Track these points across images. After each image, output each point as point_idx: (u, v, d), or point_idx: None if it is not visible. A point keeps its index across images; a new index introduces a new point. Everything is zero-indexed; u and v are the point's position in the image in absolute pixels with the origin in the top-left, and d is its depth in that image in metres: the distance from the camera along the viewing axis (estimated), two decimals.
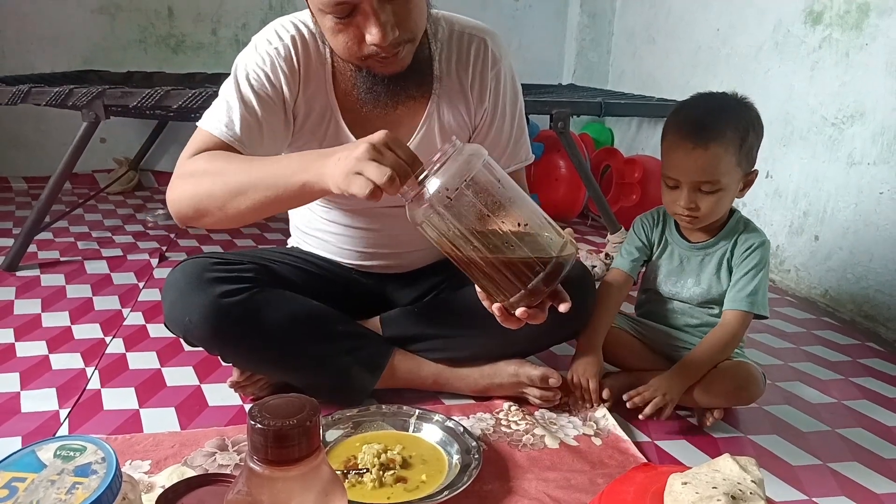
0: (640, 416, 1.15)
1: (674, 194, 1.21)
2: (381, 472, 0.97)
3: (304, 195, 0.92)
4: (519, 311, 0.87)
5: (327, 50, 1.09)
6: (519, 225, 0.85)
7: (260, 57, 1.08)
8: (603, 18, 3.16)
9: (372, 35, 0.92)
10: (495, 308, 0.89)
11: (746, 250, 1.23)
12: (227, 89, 1.08)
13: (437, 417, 1.12)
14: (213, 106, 1.08)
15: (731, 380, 1.18)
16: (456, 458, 1.03)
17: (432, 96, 1.14)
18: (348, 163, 0.83)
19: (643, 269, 1.36)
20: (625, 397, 1.17)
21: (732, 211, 1.28)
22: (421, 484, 0.97)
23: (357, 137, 1.12)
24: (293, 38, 1.08)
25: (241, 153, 1.04)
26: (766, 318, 1.24)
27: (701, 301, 1.28)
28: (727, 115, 1.17)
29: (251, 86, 1.06)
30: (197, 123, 1.08)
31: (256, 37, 1.11)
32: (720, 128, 1.15)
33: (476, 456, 1.02)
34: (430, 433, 1.10)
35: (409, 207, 0.84)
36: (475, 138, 1.19)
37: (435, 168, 0.82)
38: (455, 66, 1.13)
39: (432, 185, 0.82)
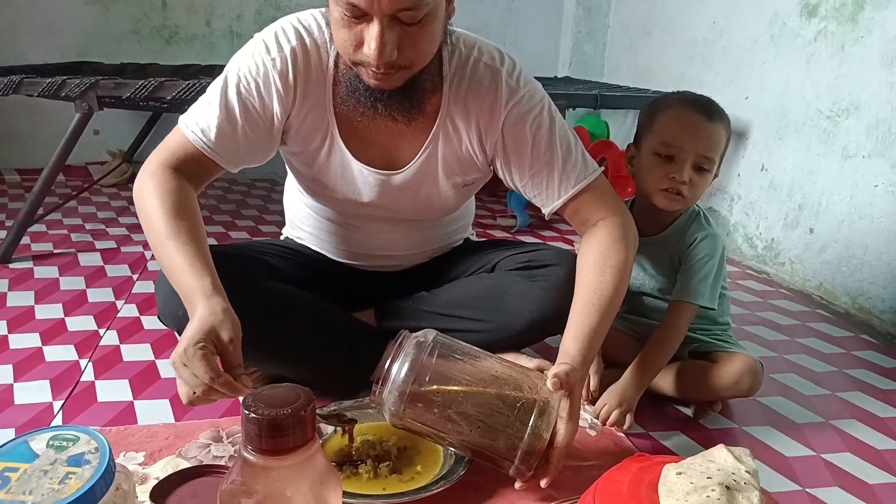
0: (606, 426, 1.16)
1: (667, 167, 1.17)
2: (375, 464, 0.97)
3: None
4: (518, 485, 0.94)
5: (331, 58, 1.05)
6: (488, 396, 0.92)
7: (255, 64, 1.03)
8: (598, 11, 3.15)
9: (369, 48, 0.90)
10: (517, 485, 0.95)
11: (691, 244, 1.22)
12: (213, 90, 1.04)
13: None
14: (197, 102, 1.05)
15: (731, 373, 1.18)
16: (451, 449, 1.03)
17: (438, 122, 1.09)
18: (173, 356, 0.86)
19: None
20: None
21: None
22: (416, 475, 0.97)
23: (353, 151, 1.11)
24: (293, 49, 1.03)
25: (216, 162, 1.04)
26: (712, 309, 1.22)
27: (668, 293, 1.27)
28: (723, 111, 1.21)
29: (239, 94, 1.03)
30: (179, 118, 1.05)
31: (257, 36, 1.06)
32: (721, 114, 1.20)
33: None
34: None
35: (385, 415, 0.94)
36: (509, 173, 1.13)
37: (380, 388, 0.91)
38: (465, 96, 1.08)
39: (387, 401, 0.91)
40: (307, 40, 1.04)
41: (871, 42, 1.76)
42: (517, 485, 0.93)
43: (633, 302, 1.34)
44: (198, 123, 1.03)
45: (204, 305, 0.88)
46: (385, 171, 1.13)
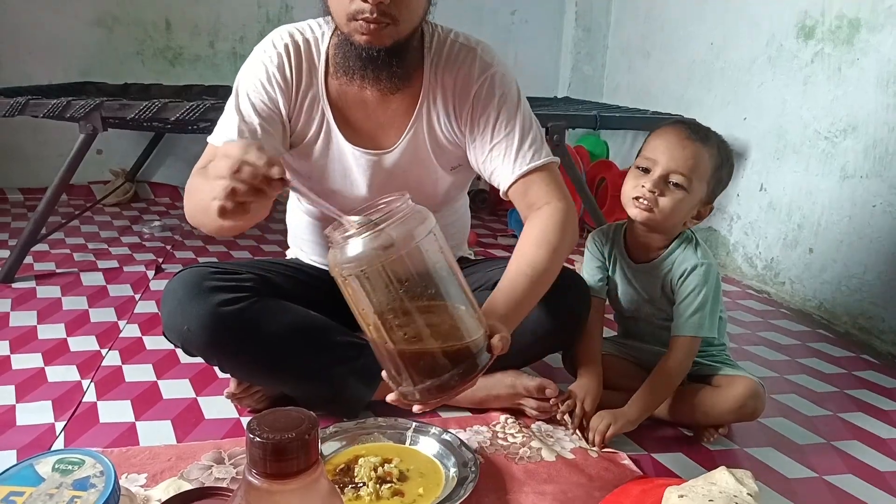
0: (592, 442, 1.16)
1: (641, 178, 1.19)
2: (377, 486, 0.97)
3: None
4: (416, 409, 0.87)
5: (323, 49, 1.15)
6: (444, 312, 0.82)
7: (256, 67, 1.14)
8: (598, 32, 3.19)
9: None
10: (391, 397, 0.88)
11: (681, 275, 1.22)
12: (230, 103, 1.14)
13: (433, 430, 1.12)
14: (220, 120, 1.15)
15: (734, 397, 1.18)
16: (453, 471, 1.03)
17: (420, 100, 1.16)
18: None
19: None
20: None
21: (680, 233, 1.26)
22: (418, 497, 0.97)
23: (346, 136, 1.17)
24: (286, 45, 1.14)
25: None
26: (713, 337, 1.24)
27: (663, 319, 1.28)
28: (718, 138, 1.22)
29: (248, 97, 1.13)
30: (208, 139, 1.15)
31: (256, 47, 1.17)
32: (710, 138, 1.20)
33: (473, 469, 1.02)
34: (427, 446, 1.10)
35: (332, 252, 0.78)
36: (473, 147, 1.18)
37: (377, 223, 0.76)
38: (443, 73, 1.16)
39: (367, 242, 0.76)
40: (299, 37, 1.15)
41: (867, 64, 1.78)
42: (415, 408, 0.88)
43: (628, 326, 1.35)
44: (222, 134, 1.11)
45: None
46: (375, 152, 1.18)
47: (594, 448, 1.15)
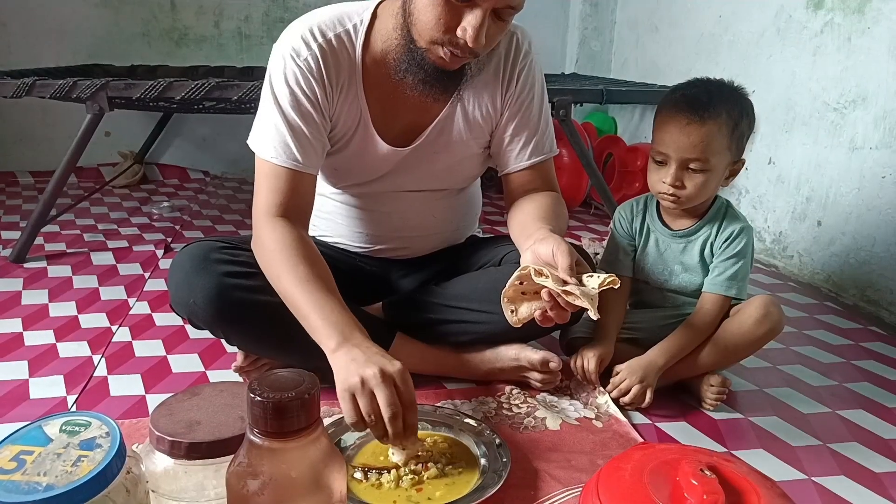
0: (621, 404, 1.18)
1: (660, 172, 1.21)
2: (399, 475, 0.94)
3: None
4: None
5: (358, 48, 1.11)
6: None
7: (293, 73, 1.07)
8: (605, 7, 3.16)
9: (468, 33, 0.96)
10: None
11: (728, 237, 1.23)
12: (269, 112, 1.09)
13: (488, 432, 1.07)
14: (260, 130, 1.10)
15: (755, 311, 1.19)
16: (483, 460, 1.00)
17: (456, 93, 1.14)
18: (350, 376, 0.90)
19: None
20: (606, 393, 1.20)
21: (716, 198, 1.28)
22: (434, 496, 0.92)
23: (380, 134, 1.15)
24: (321, 46, 1.08)
25: (311, 175, 1.10)
26: (741, 300, 1.25)
27: (692, 290, 1.28)
28: (724, 98, 1.18)
29: (295, 106, 1.07)
30: (252, 148, 1.10)
31: (281, 47, 1.09)
32: (716, 107, 1.16)
33: (502, 472, 0.96)
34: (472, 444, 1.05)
35: None
36: (500, 124, 1.20)
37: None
38: (485, 58, 1.13)
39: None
40: (331, 35, 1.10)
41: (879, 33, 1.75)
42: None
43: (649, 297, 1.34)
44: (277, 149, 1.07)
45: (366, 343, 0.96)
46: (407, 147, 1.18)
47: (599, 415, 1.16)
